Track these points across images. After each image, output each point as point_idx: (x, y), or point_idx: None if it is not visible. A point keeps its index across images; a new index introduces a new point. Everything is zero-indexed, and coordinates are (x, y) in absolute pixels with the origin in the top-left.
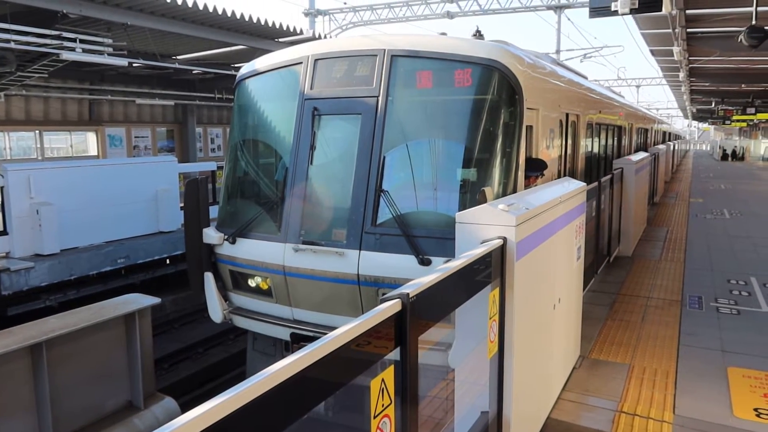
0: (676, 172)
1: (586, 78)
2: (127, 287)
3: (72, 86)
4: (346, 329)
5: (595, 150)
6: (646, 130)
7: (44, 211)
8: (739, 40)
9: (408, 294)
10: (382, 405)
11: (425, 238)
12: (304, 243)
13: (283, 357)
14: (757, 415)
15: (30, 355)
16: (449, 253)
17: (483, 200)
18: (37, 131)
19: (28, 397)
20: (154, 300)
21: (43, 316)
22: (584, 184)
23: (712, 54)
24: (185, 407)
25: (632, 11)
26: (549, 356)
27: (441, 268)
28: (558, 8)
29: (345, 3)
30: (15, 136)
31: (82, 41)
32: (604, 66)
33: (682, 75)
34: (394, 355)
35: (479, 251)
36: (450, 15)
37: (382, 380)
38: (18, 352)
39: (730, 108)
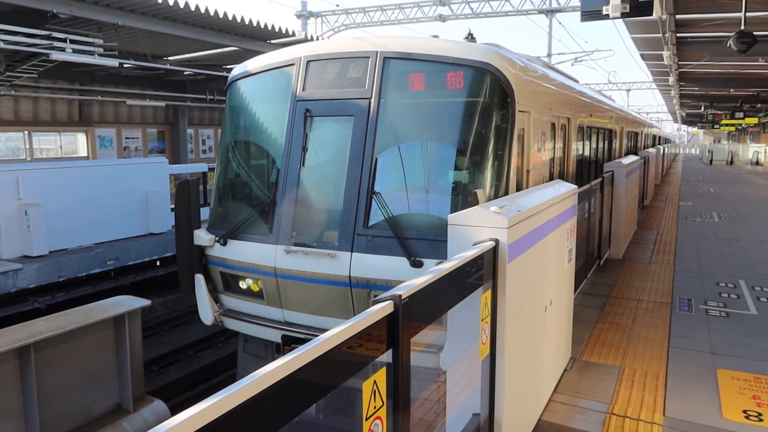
0: (666, 176)
1: (577, 81)
2: (117, 289)
3: (62, 86)
4: (338, 331)
5: (586, 153)
6: (637, 134)
7: (33, 213)
8: (728, 45)
9: (400, 296)
10: (374, 407)
11: (417, 240)
12: (295, 245)
13: (274, 359)
14: (746, 417)
15: (18, 358)
16: (441, 255)
17: (475, 202)
18: (26, 132)
19: (15, 400)
20: (144, 302)
21: (31, 319)
22: (575, 186)
23: (702, 59)
24: (175, 410)
25: (623, 15)
26: (540, 358)
27: (433, 270)
28: (549, 12)
29: (337, 5)
30: (3, 136)
31: (72, 41)
32: (595, 70)
33: (671, 79)
34: (386, 357)
35: (471, 253)
36: (442, 18)
37: (374, 382)
38: (5, 355)
39: (719, 112)
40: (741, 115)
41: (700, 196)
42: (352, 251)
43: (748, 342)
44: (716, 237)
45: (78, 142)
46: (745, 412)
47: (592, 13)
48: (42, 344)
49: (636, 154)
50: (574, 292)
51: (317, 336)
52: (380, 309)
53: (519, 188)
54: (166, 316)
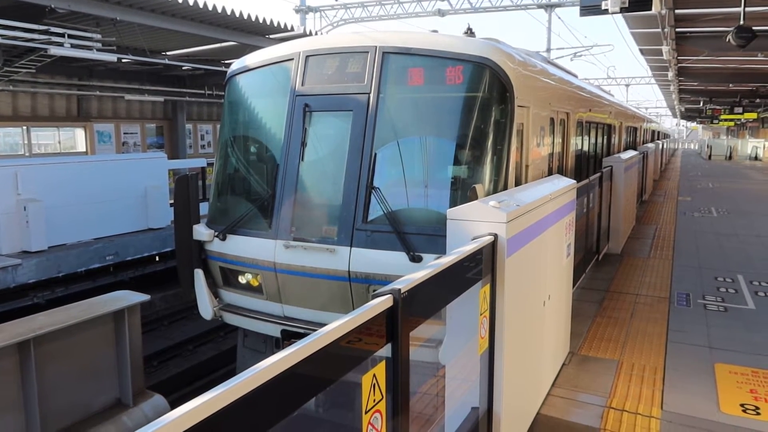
0: (665, 171)
1: (576, 76)
2: (116, 284)
3: (60, 82)
4: (337, 325)
5: (585, 148)
6: (635, 129)
7: (32, 208)
8: (727, 39)
9: (400, 290)
10: (374, 400)
11: (416, 235)
12: (295, 240)
13: (273, 354)
14: (743, 411)
15: (18, 353)
16: (440, 250)
17: (474, 197)
18: (24, 127)
19: (15, 394)
20: (144, 297)
21: (30, 314)
22: (574, 181)
23: (701, 54)
24: (175, 405)
25: (622, 10)
26: (539, 352)
27: (432, 265)
28: (549, 7)
29: (336, 0)
30: (1, 132)
31: (70, 36)
32: (594, 65)
33: (670, 74)
34: (386, 351)
35: (470, 248)
36: (441, 13)
37: (374, 376)
38: (6, 350)
39: (718, 107)
40: (740, 110)
41: (698, 191)
42: (351, 246)
43: (746, 336)
44: (715, 232)
45: (76, 138)
46: (742, 405)
47: (591, 8)
48: (42, 339)
49: (635, 149)
50: (573, 286)
51: (316, 330)
52: (379, 303)
53: (518, 183)
54: (165, 311)
